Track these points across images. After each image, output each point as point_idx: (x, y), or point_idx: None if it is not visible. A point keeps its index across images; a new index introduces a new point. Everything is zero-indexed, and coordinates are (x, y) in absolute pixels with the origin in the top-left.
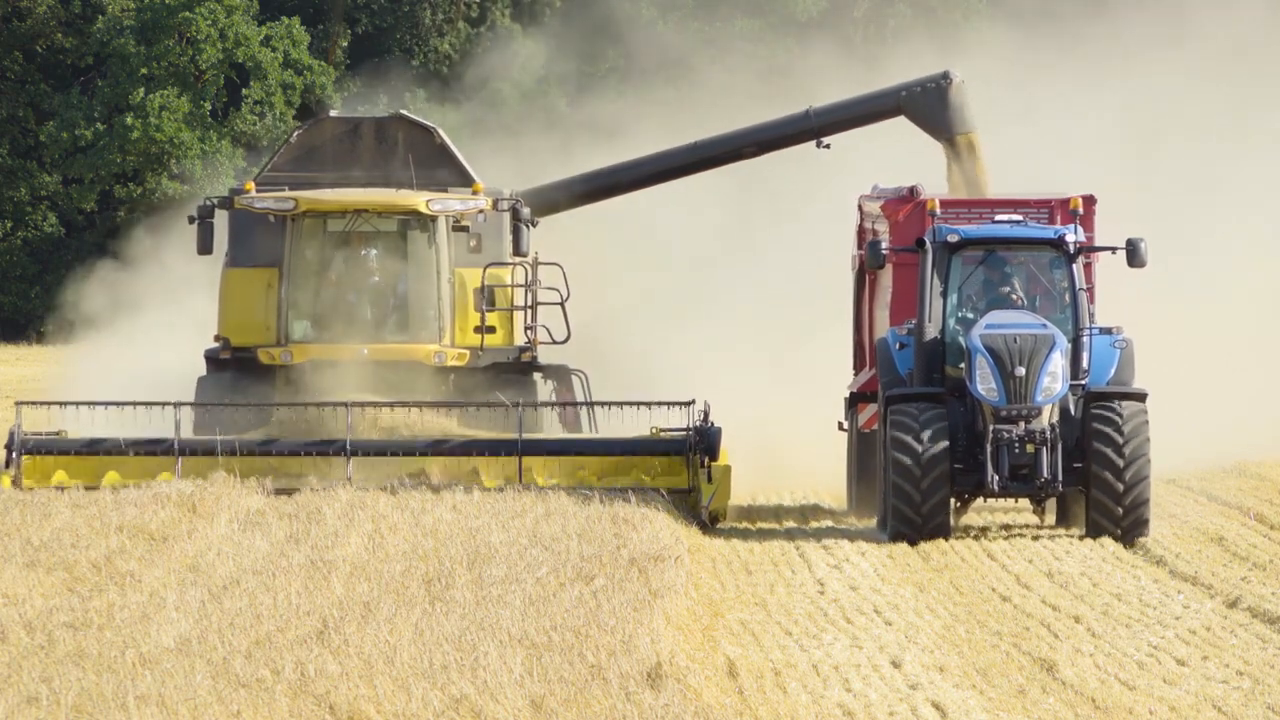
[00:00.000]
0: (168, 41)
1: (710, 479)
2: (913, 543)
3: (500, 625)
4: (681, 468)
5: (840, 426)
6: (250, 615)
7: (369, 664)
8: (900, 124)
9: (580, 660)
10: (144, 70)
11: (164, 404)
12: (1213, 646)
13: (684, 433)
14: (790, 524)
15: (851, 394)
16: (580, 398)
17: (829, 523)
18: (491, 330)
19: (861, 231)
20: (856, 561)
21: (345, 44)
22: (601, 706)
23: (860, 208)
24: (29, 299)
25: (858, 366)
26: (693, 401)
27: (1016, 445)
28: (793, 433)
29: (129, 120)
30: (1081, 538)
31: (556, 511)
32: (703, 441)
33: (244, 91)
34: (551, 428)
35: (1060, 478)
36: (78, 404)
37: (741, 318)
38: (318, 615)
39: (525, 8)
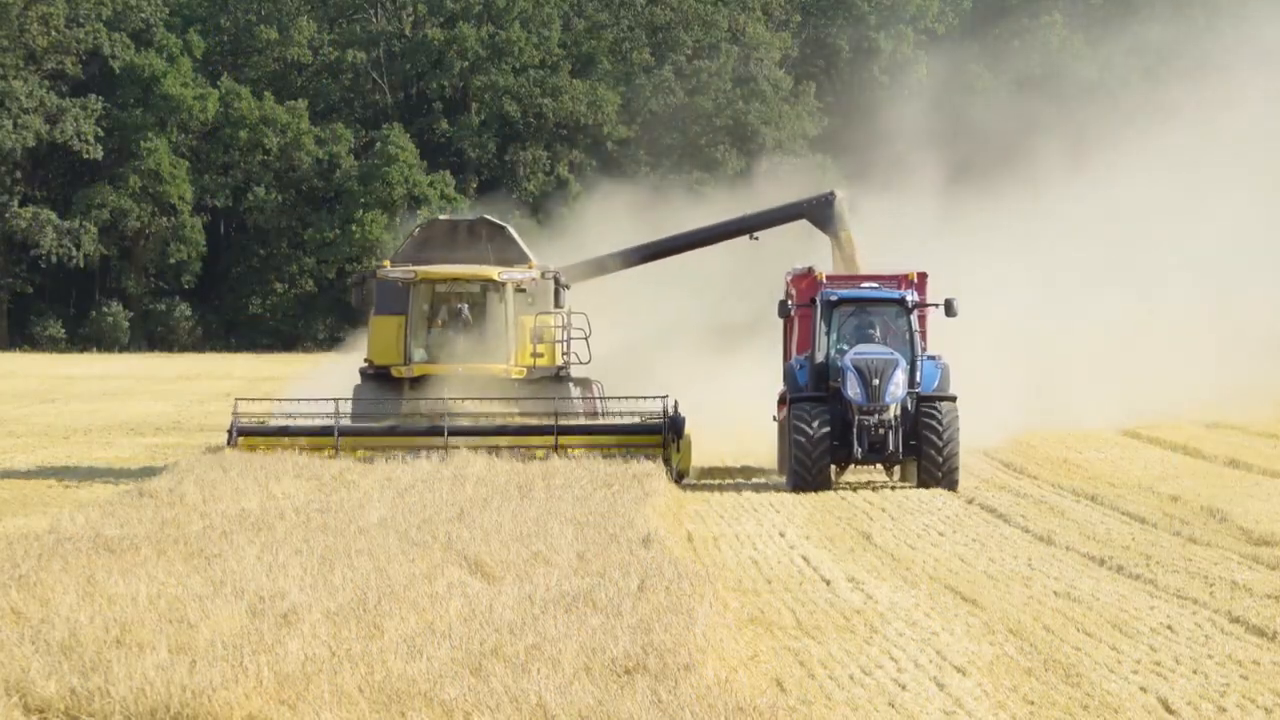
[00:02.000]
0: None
1: (679, 449)
2: (804, 491)
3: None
4: (661, 441)
5: (773, 418)
6: (419, 505)
7: (486, 533)
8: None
9: (604, 531)
10: (363, 200)
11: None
12: (958, 526)
13: (661, 419)
14: (739, 479)
15: (779, 397)
16: (596, 398)
17: (761, 478)
18: (541, 355)
19: (787, 298)
20: (769, 492)
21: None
22: (616, 558)
23: (785, 281)
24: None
25: (785, 380)
26: (667, 396)
27: (873, 429)
28: (748, 420)
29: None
30: (913, 488)
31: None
32: (673, 425)
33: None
34: (577, 417)
35: (902, 450)
36: (276, 399)
37: (716, 353)
38: (457, 505)
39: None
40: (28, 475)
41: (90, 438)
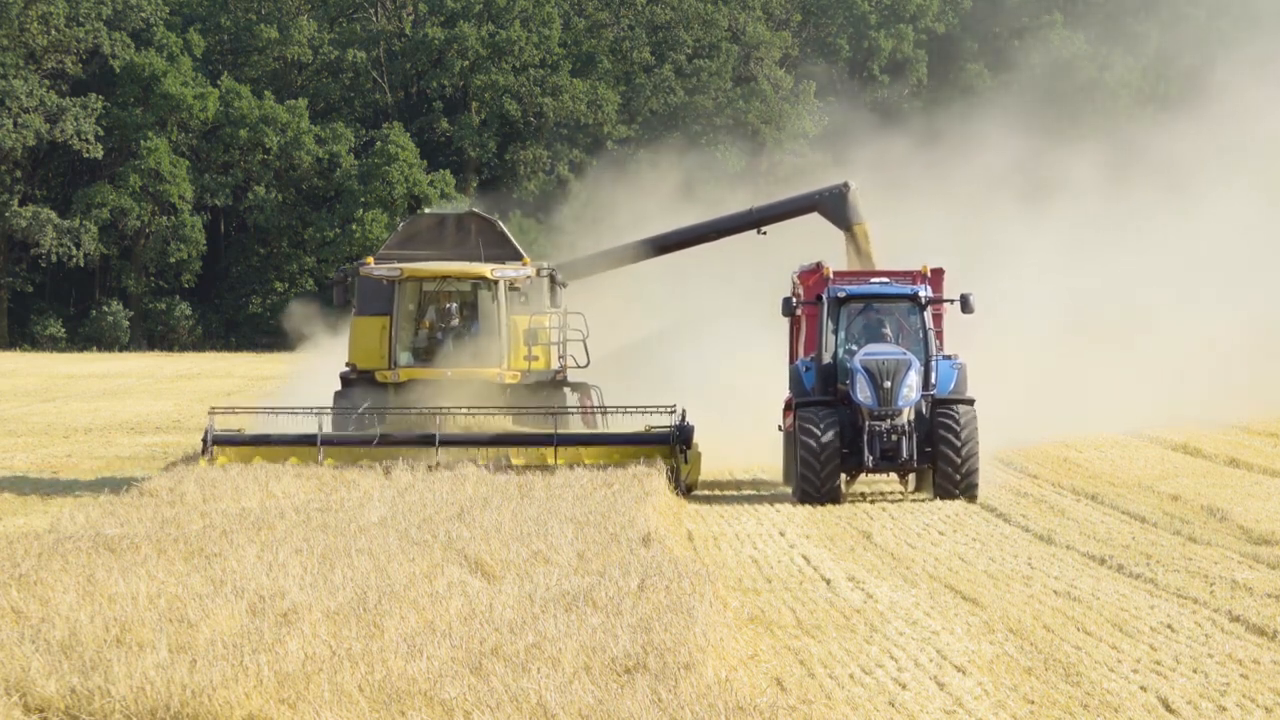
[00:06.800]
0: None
1: (686, 460)
2: (812, 504)
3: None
4: (667, 453)
5: (779, 428)
6: (419, 504)
7: (486, 532)
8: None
9: (605, 530)
10: (364, 199)
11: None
12: (958, 525)
13: (668, 429)
14: (748, 490)
15: (785, 404)
16: (594, 406)
17: (767, 490)
18: (536, 359)
19: (793, 295)
20: (770, 491)
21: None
22: (616, 557)
23: (792, 279)
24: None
25: (790, 384)
26: (675, 406)
27: (885, 435)
28: (753, 428)
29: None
30: (929, 499)
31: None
32: (681, 435)
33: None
34: (575, 425)
35: (916, 458)
36: (253, 409)
37: (720, 355)
38: (457, 505)
39: None
40: (28, 474)
41: (90, 437)
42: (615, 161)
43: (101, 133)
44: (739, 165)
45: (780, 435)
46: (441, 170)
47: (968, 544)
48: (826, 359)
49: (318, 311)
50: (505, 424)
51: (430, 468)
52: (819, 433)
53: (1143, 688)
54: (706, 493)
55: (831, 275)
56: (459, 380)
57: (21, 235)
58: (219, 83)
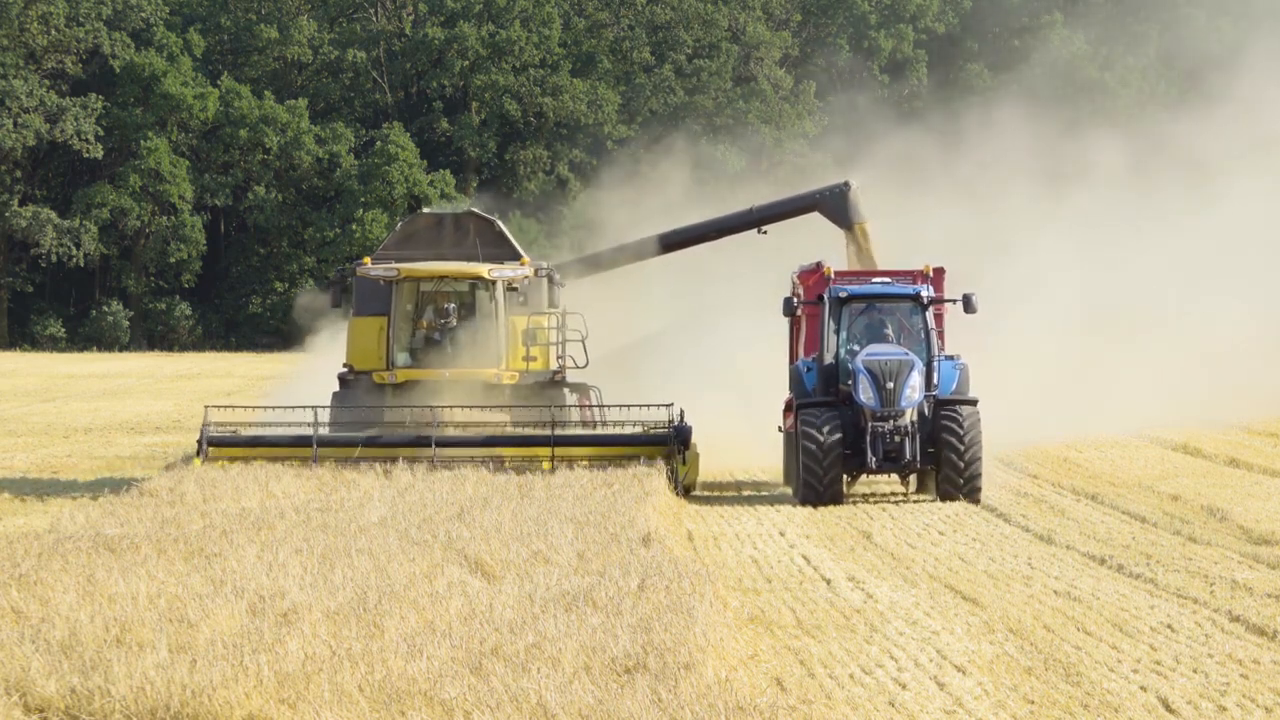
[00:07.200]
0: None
1: (685, 461)
2: (815, 505)
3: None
4: (666, 453)
5: (779, 429)
6: (419, 504)
7: (486, 532)
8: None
9: (605, 530)
10: (364, 199)
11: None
12: (958, 525)
13: (666, 429)
14: (748, 491)
15: (785, 404)
16: (593, 405)
17: (767, 491)
18: (534, 359)
19: (793, 295)
20: (770, 491)
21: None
22: (616, 557)
23: (792, 279)
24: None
25: (790, 385)
26: (671, 404)
27: (888, 436)
28: (753, 430)
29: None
30: (931, 500)
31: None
32: (679, 435)
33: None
34: (574, 426)
35: (919, 459)
36: (247, 407)
37: (718, 354)
38: (457, 505)
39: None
40: (28, 474)
41: (90, 437)
42: (615, 161)
43: (101, 133)
44: (739, 165)
45: (780, 436)
46: (441, 170)
47: (968, 544)
48: (828, 359)
49: (327, 306)
50: (503, 425)
51: (429, 469)
52: (821, 433)
53: (1143, 688)
54: (706, 493)
55: (832, 275)
56: (457, 381)
57: (21, 235)
58: (219, 83)
